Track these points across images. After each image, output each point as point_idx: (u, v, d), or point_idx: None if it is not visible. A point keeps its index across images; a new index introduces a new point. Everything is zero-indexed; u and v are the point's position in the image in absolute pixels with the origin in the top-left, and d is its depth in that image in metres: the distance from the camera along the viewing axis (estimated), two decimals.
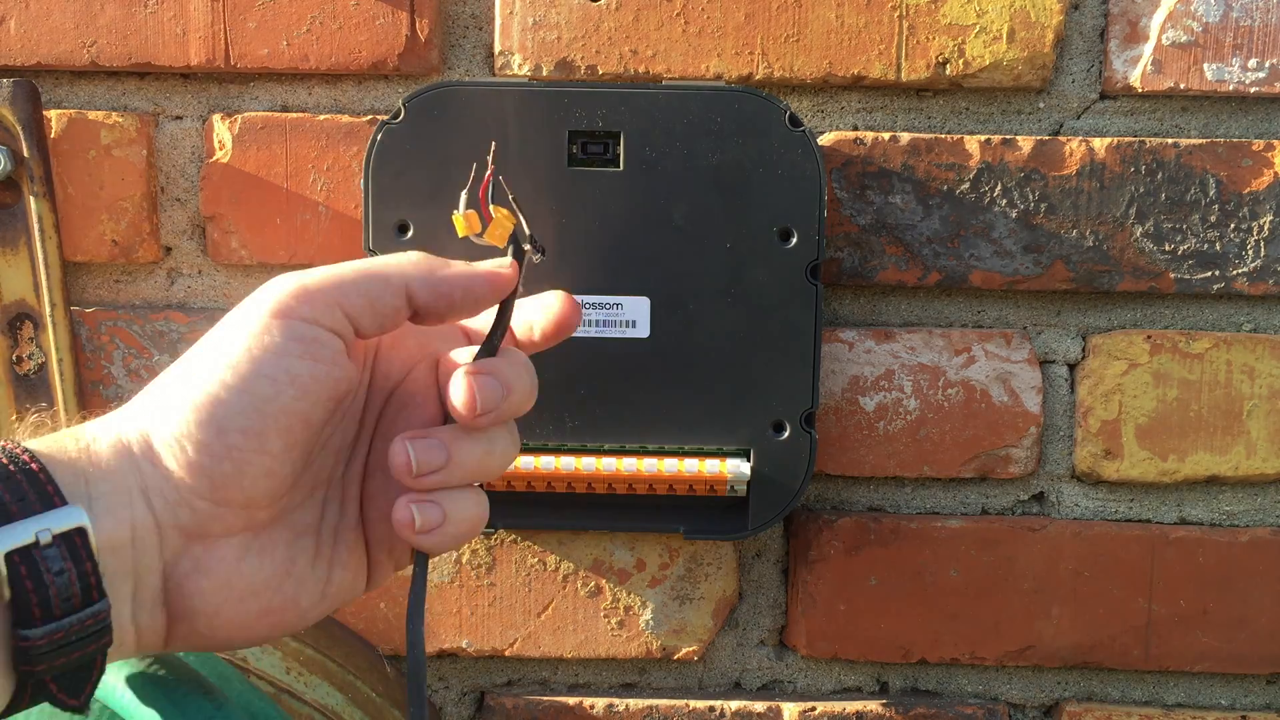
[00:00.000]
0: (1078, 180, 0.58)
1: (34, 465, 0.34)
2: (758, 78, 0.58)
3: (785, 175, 0.55)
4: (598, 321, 0.56)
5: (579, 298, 0.57)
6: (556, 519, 0.59)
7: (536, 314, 0.45)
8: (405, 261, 0.39)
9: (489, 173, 0.41)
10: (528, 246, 0.41)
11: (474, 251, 0.41)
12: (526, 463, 0.56)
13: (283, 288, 0.37)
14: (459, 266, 0.40)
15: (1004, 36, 0.58)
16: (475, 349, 0.41)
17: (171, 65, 0.59)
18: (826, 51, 0.58)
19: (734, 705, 0.62)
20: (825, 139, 0.58)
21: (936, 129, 0.59)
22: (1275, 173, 0.58)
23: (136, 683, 0.40)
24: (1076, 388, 0.60)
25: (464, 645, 0.62)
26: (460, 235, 0.40)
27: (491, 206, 0.40)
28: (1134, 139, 0.58)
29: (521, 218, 0.41)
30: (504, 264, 0.41)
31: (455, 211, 0.40)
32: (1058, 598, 0.61)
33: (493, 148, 0.41)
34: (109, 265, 0.61)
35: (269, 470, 0.37)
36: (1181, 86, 0.58)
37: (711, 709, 0.62)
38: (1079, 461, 0.61)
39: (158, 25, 0.58)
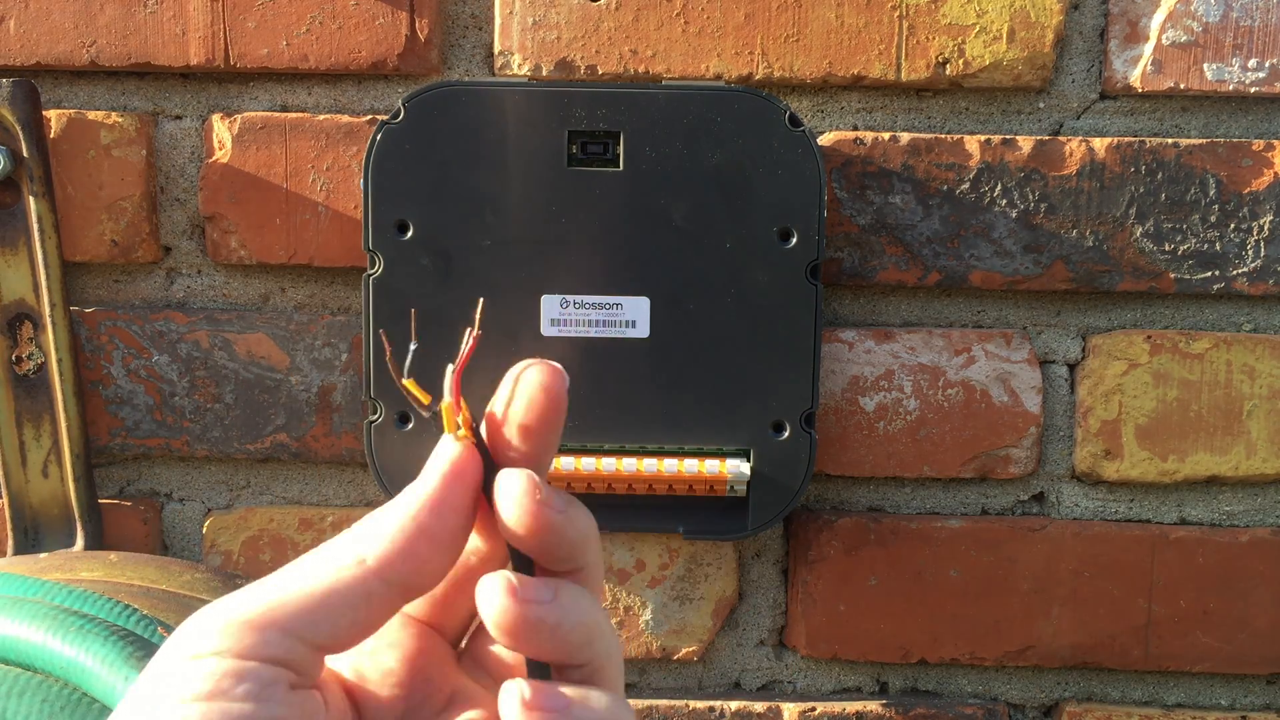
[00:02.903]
0: (1078, 180, 0.58)
1: None
2: (758, 78, 0.58)
3: (785, 175, 0.55)
4: (598, 321, 0.56)
5: (578, 298, 0.57)
6: None
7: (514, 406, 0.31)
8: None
9: (473, 339, 0.31)
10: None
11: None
12: None
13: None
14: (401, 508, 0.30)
15: (1004, 36, 0.58)
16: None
17: (171, 65, 0.59)
18: (826, 51, 0.58)
19: (734, 705, 0.62)
20: (825, 139, 0.58)
21: (936, 129, 0.59)
22: (1275, 173, 0.58)
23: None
24: (1076, 388, 0.60)
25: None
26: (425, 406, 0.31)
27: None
28: (1134, 139, 0.58)
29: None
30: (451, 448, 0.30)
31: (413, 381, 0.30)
32: (1057, 598, 0.61)
33: (480, 305, 0.34)
34: (108, 265, 0.61)
35: None
36: (1181, 86, 0.58)
37: (711, 709, 0.62)
38: (1079, 461, 0.61)
39: (157, 25, 0.58)
